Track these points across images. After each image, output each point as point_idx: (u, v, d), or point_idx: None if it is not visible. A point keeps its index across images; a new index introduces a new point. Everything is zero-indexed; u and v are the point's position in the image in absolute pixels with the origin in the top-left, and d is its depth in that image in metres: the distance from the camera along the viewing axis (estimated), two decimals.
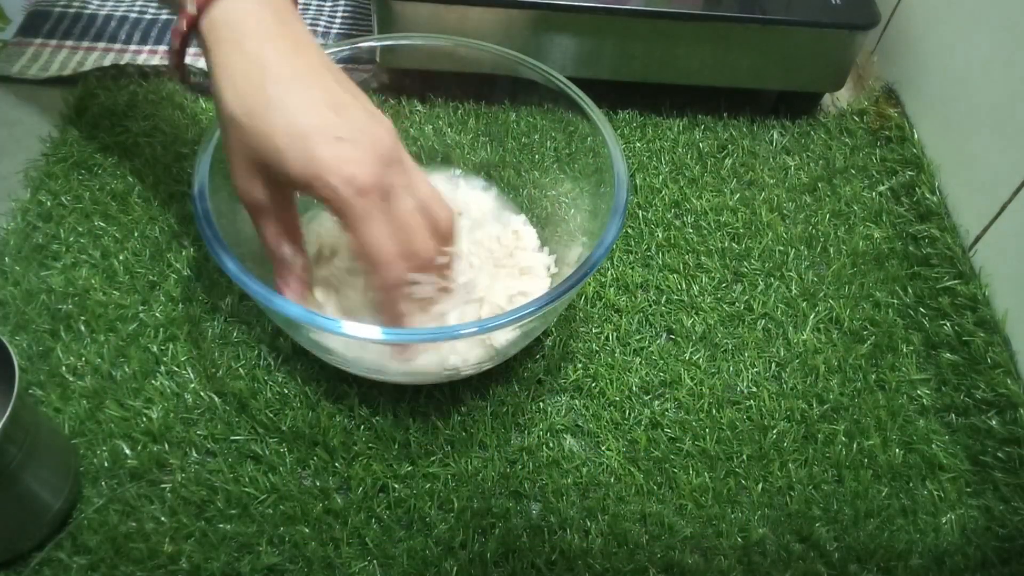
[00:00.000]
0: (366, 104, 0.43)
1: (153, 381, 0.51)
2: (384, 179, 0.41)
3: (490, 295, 0.49)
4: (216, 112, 0.42)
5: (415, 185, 0.43)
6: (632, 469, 0.50)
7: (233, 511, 0.46)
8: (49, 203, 0.58)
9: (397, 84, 0.45)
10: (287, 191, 0.43)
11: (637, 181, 0.65)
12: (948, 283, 0.59)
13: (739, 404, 0.53)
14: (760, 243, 0.62)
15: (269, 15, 0.41)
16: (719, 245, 0.61)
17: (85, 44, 0.71)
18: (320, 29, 0.76)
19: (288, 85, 0.40)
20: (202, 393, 0.50)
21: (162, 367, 0.51)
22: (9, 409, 0.39)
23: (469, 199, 0.57)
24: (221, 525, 0.45)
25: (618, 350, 0.55)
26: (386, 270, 0.42)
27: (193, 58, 0.70)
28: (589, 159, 0.53)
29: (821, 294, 0.59)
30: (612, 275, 0.59)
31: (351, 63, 0.61)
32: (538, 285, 0.52)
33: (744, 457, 0.51)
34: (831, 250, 0.62)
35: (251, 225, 0.45)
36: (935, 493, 0.50)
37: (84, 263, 0.56)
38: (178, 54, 0.43)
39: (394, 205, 0.42)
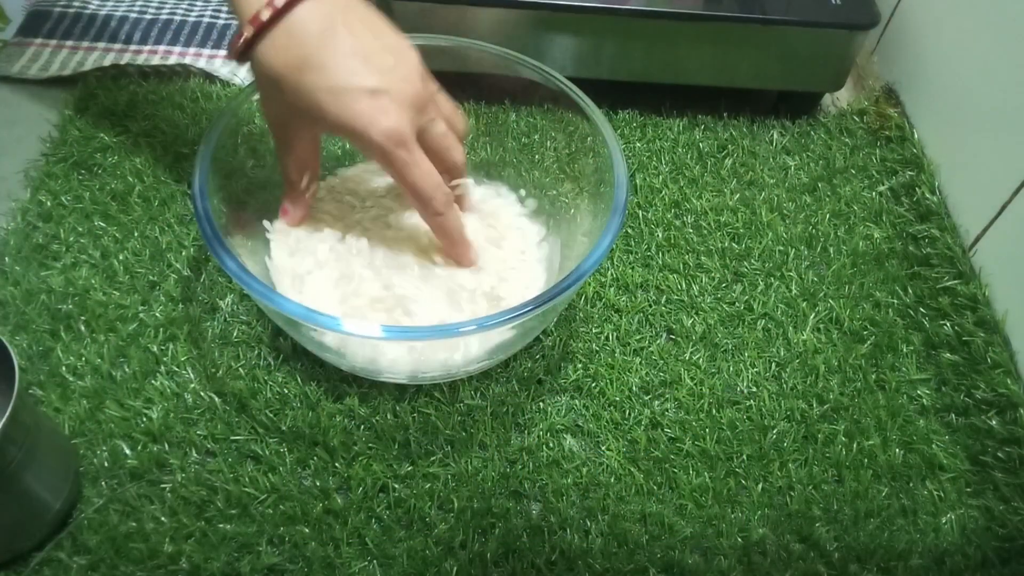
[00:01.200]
0: (391, 41, 0.45)
1: (153, 381, 0.51)
2: (418, 121, 0.44)
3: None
4: (254, 70, 0.44)
5: (440, 106, 0.47)
6: (632, 469, 0.50)
7: (233, 511, 0.46)
8: (49, 203, 0.58)
9: None
10: (316, 132, 0.47)
11: (637, 181, 0.65)
12: (948, 283, 0.59)
13: (739, 404, 0.53)
14: (760, 243, 0.62)
15: None
16: (719, 245, 0.61)
17: (85, 44, 0.71)
18: None
19: (322, 41, 0.42)
20: (202, 393, 0.50)
21: (162, 367, 0.51)
22: (9, 409, 0.39)
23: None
24: (221, 525, 0.45)
25: (618, 350, 0.55)
26: (433, 202, 0.46)
27: (193, 58, 0.71)
28: (589, 159, 0.53)
29: (821, 294, 0.59)
30: (612, 275, 0.59)
31: None
32: (529, 265, 0.54)
33: (744, 457, 0.51)
34: (831, 250, 0.62)
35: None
36: (935, 493, 0.50)
37: (84, 263, 0.56)
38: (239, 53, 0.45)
39: (429, 135, 0.46)
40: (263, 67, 0.43)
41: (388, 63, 0.43)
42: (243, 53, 0.44)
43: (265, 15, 0.42)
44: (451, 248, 0.50)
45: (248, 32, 0.42)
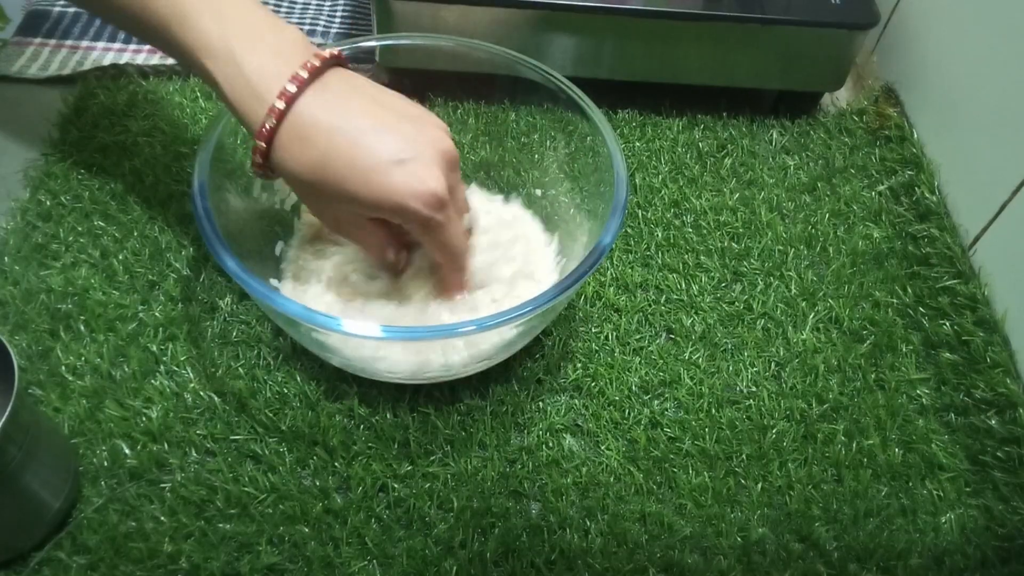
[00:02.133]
0: (405, 110, 0.44)
1: (153, 381, 0.51)
2: (451, 181, 0.44)
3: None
4: (285, 180, 0.44)
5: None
6: (632, 469, 0.50)
7: (233, 511, 0.46)
8: (49, 203, 0.58)
9: (397, 84, 0.45)
10: (365, 215, 0.45)
11: (637, 181, 0.65)
12: (948, 283, 0.59)
13: (739, 404, 0.53)
14: (760, 243, 0.62)
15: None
16: (719, 245, 0.62)
17: (85, 44, 0.71)
18: (320, 29, 0.76)
19: (333, 130, 0.41)
20: (202, 393, 0.50)
21: (162, 367, 0.51)
22: (9, 409, 0.39)
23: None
24: (221, 525, 0.45)
25: (618, 350, 0.55)
26: (462, 258, 0.48)
27: None
28: (589, 159, 0.53)
29: (821, 294, 0.59)
30: (612, 275, 0.59)
31: (351, 63, 0.61)
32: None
33: (744, 457, 0.51)
34: (831, 250, 0.62)
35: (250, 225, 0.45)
36: (935, 493, 0.50)
37: (84, 263, 0.56)
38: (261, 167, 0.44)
39: (456, 196, 0.45)
40: (289, 176, 0.43)
41: (408, 130, 0.42)
42: (265, 167, 0.43)
43: (270, 124, 0.41)
44: (453, 277, 0.49)
45: (262, 145, 0.42)
